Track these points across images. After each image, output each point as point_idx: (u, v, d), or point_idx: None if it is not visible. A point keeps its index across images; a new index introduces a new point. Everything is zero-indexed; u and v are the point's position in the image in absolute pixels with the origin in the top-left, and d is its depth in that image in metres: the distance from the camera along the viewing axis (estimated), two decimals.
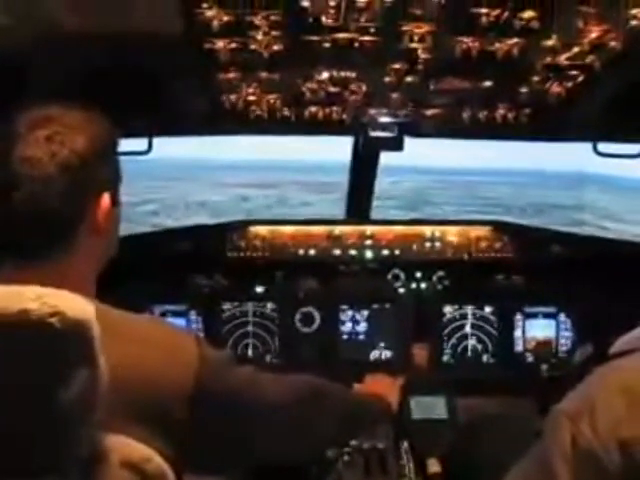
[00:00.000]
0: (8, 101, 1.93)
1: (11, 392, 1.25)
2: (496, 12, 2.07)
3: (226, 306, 4.15)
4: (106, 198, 1.77)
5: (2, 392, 1.25)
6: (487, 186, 45.40)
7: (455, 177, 51.95)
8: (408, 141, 3.58)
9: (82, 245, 1.74)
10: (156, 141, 3.44)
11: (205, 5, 2.05)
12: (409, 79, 2.70)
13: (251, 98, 3.02)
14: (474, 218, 4.54)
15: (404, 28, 2.21)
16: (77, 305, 1.28)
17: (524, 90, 2.88)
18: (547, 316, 4.23)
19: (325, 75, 2.71)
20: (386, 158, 4.01)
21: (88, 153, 1.69)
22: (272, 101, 3.07)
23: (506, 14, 2.08)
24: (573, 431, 1.45)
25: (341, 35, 2.26)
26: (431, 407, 3.85)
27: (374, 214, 4.46)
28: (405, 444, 3.45)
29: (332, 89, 2.88)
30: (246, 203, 35.13)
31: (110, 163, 1.82)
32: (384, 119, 3.42)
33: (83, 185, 1.70)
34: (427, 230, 4.16)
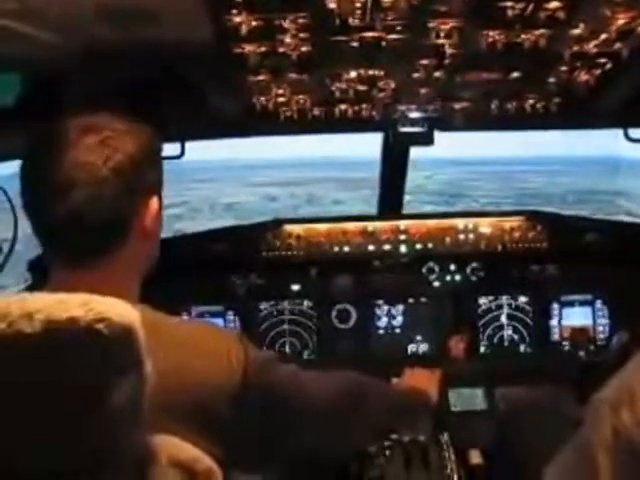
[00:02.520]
0: (51, 112, 1.99)
1: (63, 398, 1.27)
2: (521, 5, 2.08)
3: (262, 305, 4.20)
4: (154, 202, 1.80)
5: (54, 398, 1.28)
6: (521, 175, 44.77)
7: (487, 167, 51.32)
8: (438, 134, 3.59)
9: (130, 248, 1.77)
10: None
11: (234, 11, 2.08)
12: (437, 74, 2.71)
13: (281, 99, 3.03)
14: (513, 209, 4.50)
15: (430, 25, 2.21)
16: (123, 311, 1.28)
17: (552, 80, 2.86)
18: (583, 304, 4.23)
19: (353, 74, 2.73)
20: (417, 151, 4.01)
21: (139, 157, 1.72)
22: (302, 101, 3.08)
23: (531, 6, 2.08)
24: (614, 420, 1.43)
25: (368, 34, 2.26)
26: (470, 398, 3.87)
27: (409, 209, 4.47)
28: (445, 436, 3.47)
29: (361, 87, 2.89)
30: (274, 203, 34.89)
31: (157, 168, 1.85)
32: (413, 114, 3.41)
33: (135, 188, 1.73)
34: (460, 222, 4.16)
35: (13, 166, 1.82)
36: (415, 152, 4.03)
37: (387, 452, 3.34)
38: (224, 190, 38.40)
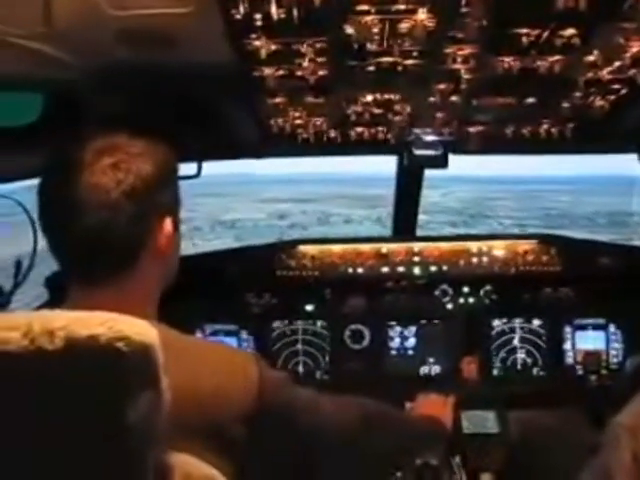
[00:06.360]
0: (72, 131, 2.02)
1: (82, 416, 1.28)
2: (536, 31, 2.10)
3: (276, 324, 4.21)
4: (168, 223, 1.82)
5: (72, 414, 1.29)
6: (543, 194, 43.90)
7: (509, 186, 50.37)
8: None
9: (145, 269, 1.79)
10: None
11: (253, 35, 2.11)
12: (453, 99, 2.73)
13: (298, 121, 3.07)
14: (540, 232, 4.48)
15: (447, 51, 2.24)
16: (142, 329, 1.30)
17: (567, 105, 2.88)
18: (596, 328, 4.20)
19: (369, 98, 2.76)
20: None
21: (152, 179, 1.74)
22: (318, 124, 3.11)
23: (546, 33, 2.11)
24: (633, 444, 1.44)
25: (385, 59, 2.29)
26: (482, 421, 3.85)
27: (426, 231, 4.46)
28: (457, 459, 3.45)
29: (377, 111, 2.92)
30: (282, 221, 34.36)
31: (172, 189, 1.87)
32: (428, 137, 3.43)
33: (148, 210, 1.75)
34: (473, 245, 4.16)
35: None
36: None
37: (399, 474, 3.33)
38: (231, 206, 37.98)
